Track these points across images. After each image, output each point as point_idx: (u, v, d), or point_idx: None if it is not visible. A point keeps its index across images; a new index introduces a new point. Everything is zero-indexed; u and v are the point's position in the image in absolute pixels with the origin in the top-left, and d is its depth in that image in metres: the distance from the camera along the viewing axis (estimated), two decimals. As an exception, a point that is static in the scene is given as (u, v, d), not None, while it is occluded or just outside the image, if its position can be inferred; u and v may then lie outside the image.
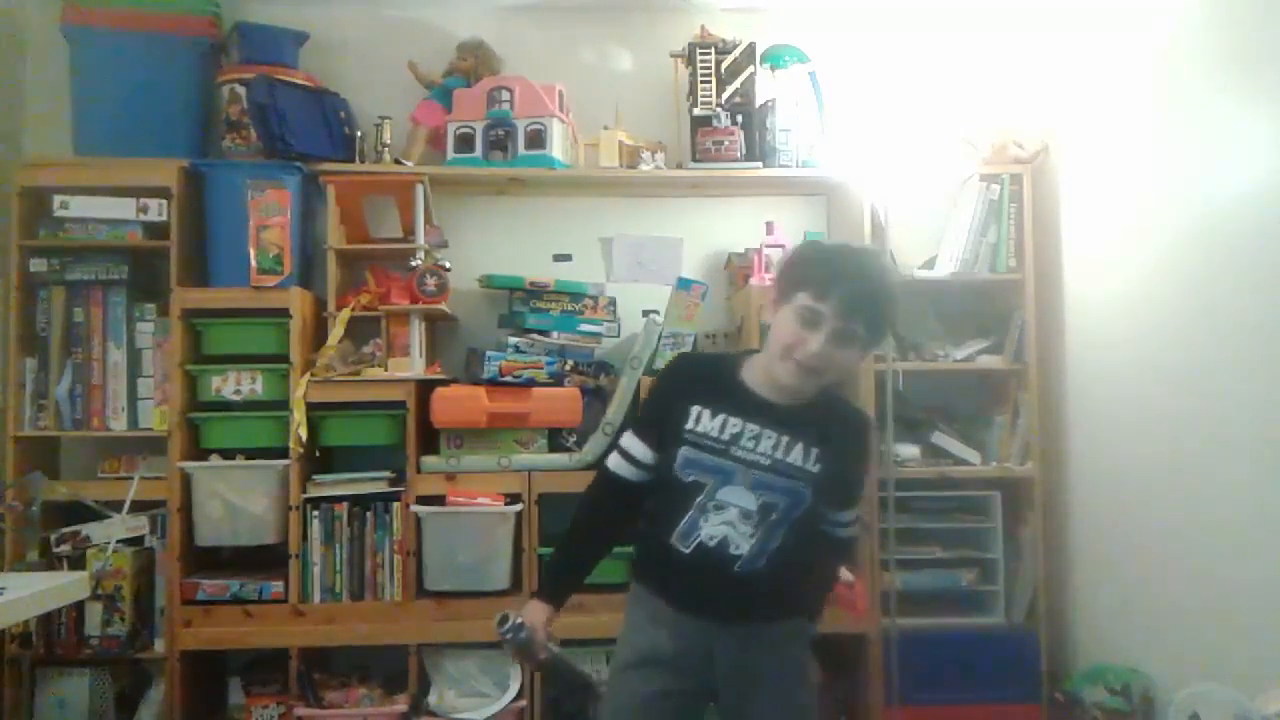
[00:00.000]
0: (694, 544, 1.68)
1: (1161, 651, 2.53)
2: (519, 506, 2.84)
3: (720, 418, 1.69)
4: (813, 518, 1.72)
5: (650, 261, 3.30)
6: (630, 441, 1.79)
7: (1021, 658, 2.96)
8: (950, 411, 3.22)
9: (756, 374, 1.73)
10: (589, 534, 1.85)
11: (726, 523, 1.67)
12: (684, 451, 1.68)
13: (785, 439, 1.68)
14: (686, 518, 1.68)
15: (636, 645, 1.77)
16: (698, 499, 1.68)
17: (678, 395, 1.73)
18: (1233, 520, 2.27)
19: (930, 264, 3.13)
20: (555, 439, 2.98)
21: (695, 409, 1.69)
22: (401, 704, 2.76)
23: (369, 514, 2.84)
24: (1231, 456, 2.27)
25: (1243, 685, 2.07)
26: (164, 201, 2.87)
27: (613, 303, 3.16)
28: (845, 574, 2.23)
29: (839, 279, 1.62)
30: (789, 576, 1.72)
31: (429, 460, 2.88)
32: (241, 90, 2.98)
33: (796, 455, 1.68)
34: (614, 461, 1.81)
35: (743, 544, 1.67)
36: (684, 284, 3.11)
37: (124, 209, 2.87)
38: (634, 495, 1.78)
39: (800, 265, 1.69)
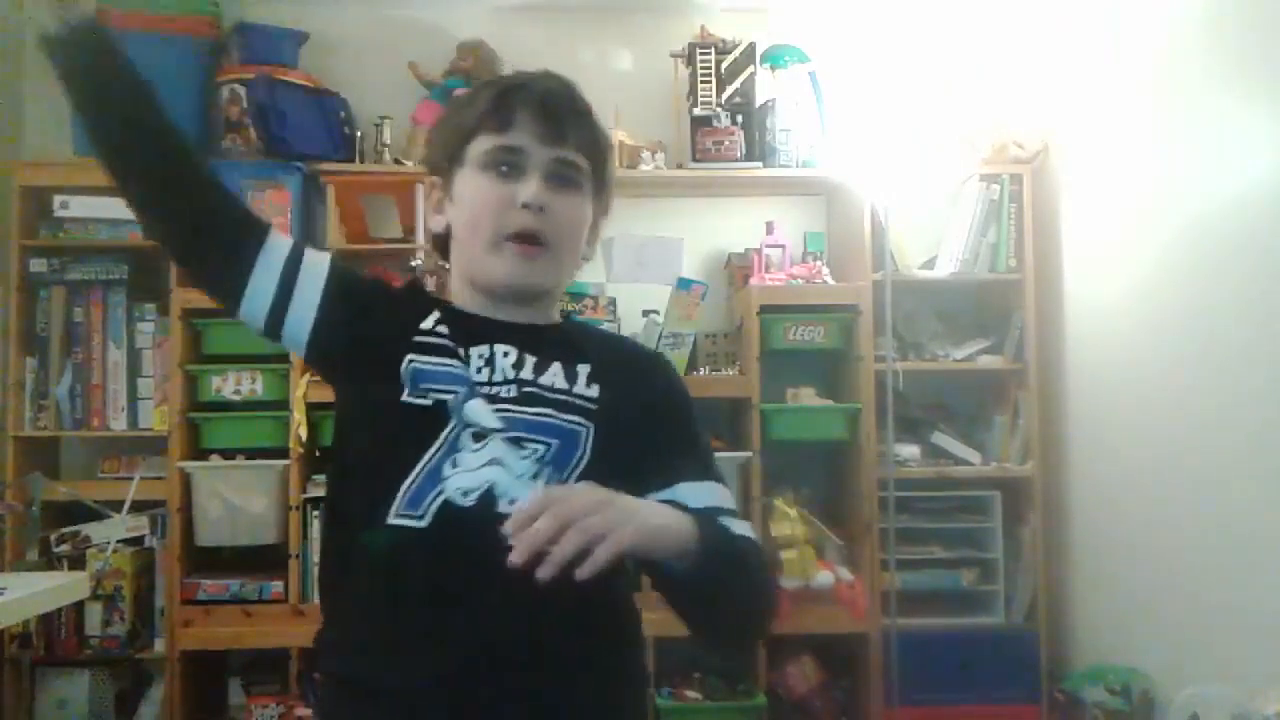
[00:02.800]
0: (444, 502, 1.06)
1: (1161, 651, 2.53)
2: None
3: (447, 340, 1.15)
4: (614, 477, 1.03)
5: (650, 261, 3.29)
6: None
7: (1021, 658, 2.96)
8: (950, 411, 3.22)
9: (465, 298, 1.20)
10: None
11: (491, 465, 1.08)
12: (415, 363, 1.12)
13: (531, 358, 1.15)
14: (418, 473, 1.07)
15: None
16: (447, 431, 1.09)
17: (388, 310, 1.21)
18: (1233, 520, 2.27)
19: (930, 264, 3.13)
20: (555, 439, 2.97)
21: (411, 325, 1.16)
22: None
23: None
24: (1232, 456, 2.27)
25: (1243, 685, 2.07)
26: (164, 201, 2.86)
27: (613, 303, 3.15)
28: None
29: (523, 92, 1.13)
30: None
31: (429, 460, 2.87)
32: (241, 90, 2.98)
33: (555, 377, 1.14)
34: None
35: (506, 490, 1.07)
36: (684, 284, 3.11)
37: (124, 209, 2.82)
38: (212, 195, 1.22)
39: (463, 105, 1.18)
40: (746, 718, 2.84)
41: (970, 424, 3.21)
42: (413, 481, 1.06)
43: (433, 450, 1.07)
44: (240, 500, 2.79)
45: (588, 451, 1.11)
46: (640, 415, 1.15)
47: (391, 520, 1.04)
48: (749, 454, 2.90)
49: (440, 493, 1.05)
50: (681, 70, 3.17)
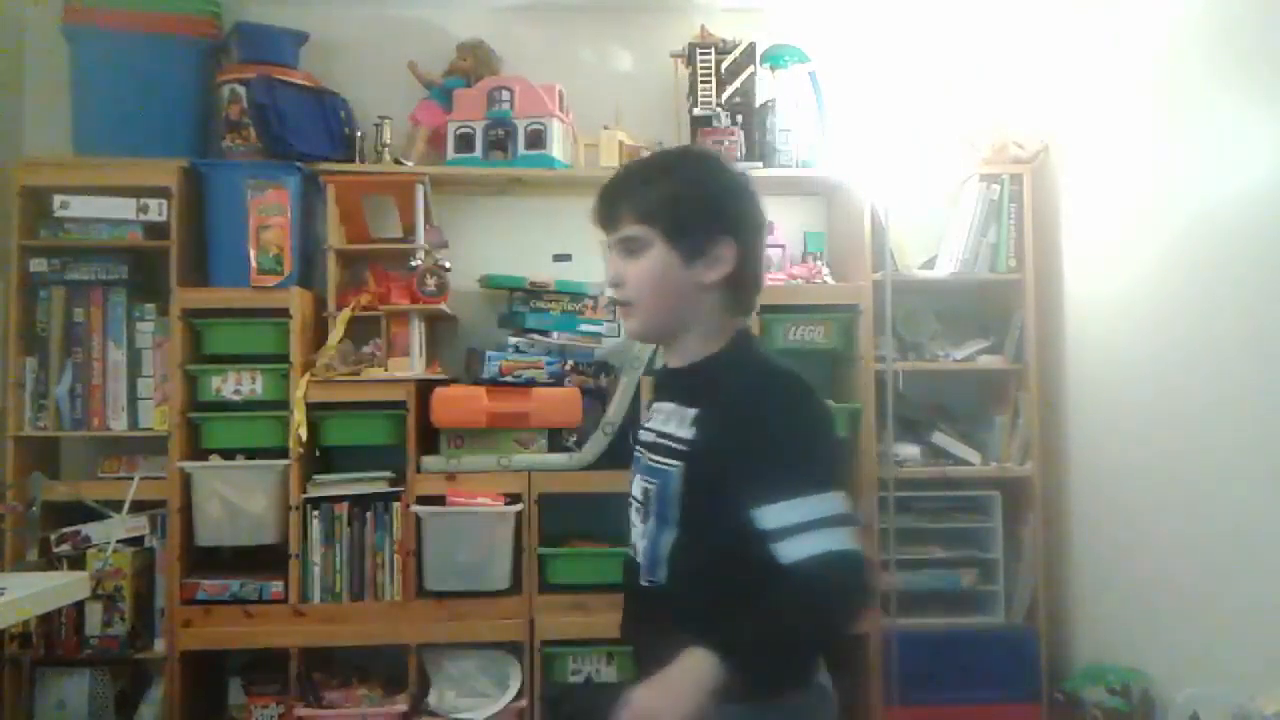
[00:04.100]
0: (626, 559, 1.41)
1: (1161, 651, 2.53)
2: (519, 506, 2.84)
3: (651, 408, 1.46)
4: (709, 512, 1.28)
5: (650, 261, 3.29)
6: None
7: (1021, 658, 2.96)
8: (950, 411, 3.22)
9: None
10: None
11: (631, 523, 1.39)
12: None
13: (672, 406, 1.37)
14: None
15: None
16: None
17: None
18: (1233, 520, 2.27)
19: (930, 264, 3.13)
20: (555, 439, 2.97)
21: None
22: (401, 704, 2.76)
23: (369, 514, 2.83)
24: (1232, 456, 2.28)
25: (1243, 685, 2.07)
26: (164, 201, 2.86)
27: (613, 303, 3.15)
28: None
29: (596, 200, 1.45)
30: (707, 600, 1.27)
31: (429, 460, 2.88)
32: (241, 90, 2.98)
33: (674, 423, 1.34)
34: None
35: (638, 543, 1.35)
36: (684, 284, 3.11)
37: (124, 209, 2.87)
38: None
39: None
40: (746, 718, 2.84)
41: (970, 424, 3.21)
42: None
43: None
44: (240, 500, 2.79)
45: (676, 479, 1.31)
46: (723, 449, 1.28)
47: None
48: (749, 454, 2.90)
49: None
50: (681, 70, 3.17)
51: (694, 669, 1.14)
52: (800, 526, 1.21)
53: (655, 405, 1.44)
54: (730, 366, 1.39)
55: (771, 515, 1.23)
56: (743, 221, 1.39)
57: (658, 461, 1.33)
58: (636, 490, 1.37)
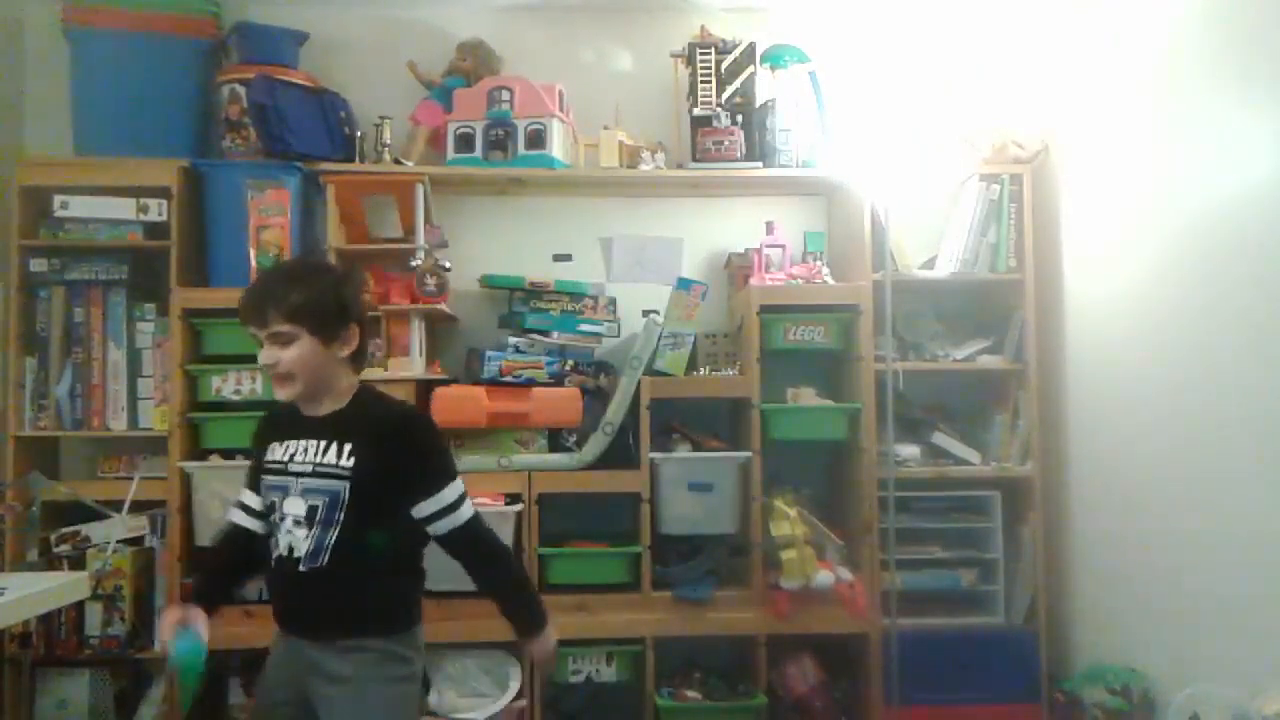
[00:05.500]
0: (275, 556, 1.86)
1: (1161, 651, 2.53)
2: (519, 506, 2.84)
3: (284, 445, 1.87)
4: (375, 513, 1.82)
5: (650, 261, 3.30)
6: (243, 494, 1.94)
7: (1021, 658, 2.96)
8: (950, 411, 3.22)
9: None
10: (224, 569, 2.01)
11: (288, 531, 1.82)
12: (264, 480, 1.88)
13: (322, 444, 1.84)
14: (273, 537, 1.87)
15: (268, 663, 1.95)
16: (273, 516, 1.87)
17: (259, 442, 1.93)
18: (1233, 520, 2.27)
19: (930, 264, 3.13)
20: (555, 439, 2.98)
21: (271, 446, 1.89)
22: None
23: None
24: (1231, 456, 2.28)
25: (1243, 685, 2.08)
26: (164, 201, 2.87)
27: (613, 303, 3.16)
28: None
29: (242, 304, 1.83)
30: (356, 576, 1.83)
31: (429, 460, 2.88)
32: (241, 90, 2.98)
33: (331, 455, 1.83)
34: (232, 514, 1.96)
35: (299, 546, 1.81)
36: (684, 284, 3.11)
37: (124, 209, 2.87)
38: (252, 540, 1.92)
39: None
40: (746, 718, 2.84)
41: (970, 424, 3.21)
42: None
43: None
44: (240, 500, 2.79)
45: (345, 496, 1.81)
46: (382, 468, 1.82)
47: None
48: (749, 454, 2.91)
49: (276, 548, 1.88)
50: (681, 70, 3.17)
51: (534, 600, 1.96)
52: (450, 506, 1.86)
53: (289, 443, 1.86)
54: (368, 409, 1.89)
55: (442, 496, 1.85)
56: (360, 310, 1.89)
57: (322, 484, 1.82)
58: (297, 508, 1.82)
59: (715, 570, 2.96)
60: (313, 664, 1.82)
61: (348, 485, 1.81)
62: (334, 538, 1.80)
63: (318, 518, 1.80)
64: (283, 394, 1.84)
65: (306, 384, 1.83)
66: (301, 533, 1.81)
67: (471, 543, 1.90)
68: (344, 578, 1.81)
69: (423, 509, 1.84)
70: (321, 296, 1.83)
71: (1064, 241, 3.05)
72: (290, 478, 1.84)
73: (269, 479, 1.87)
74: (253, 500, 1.90)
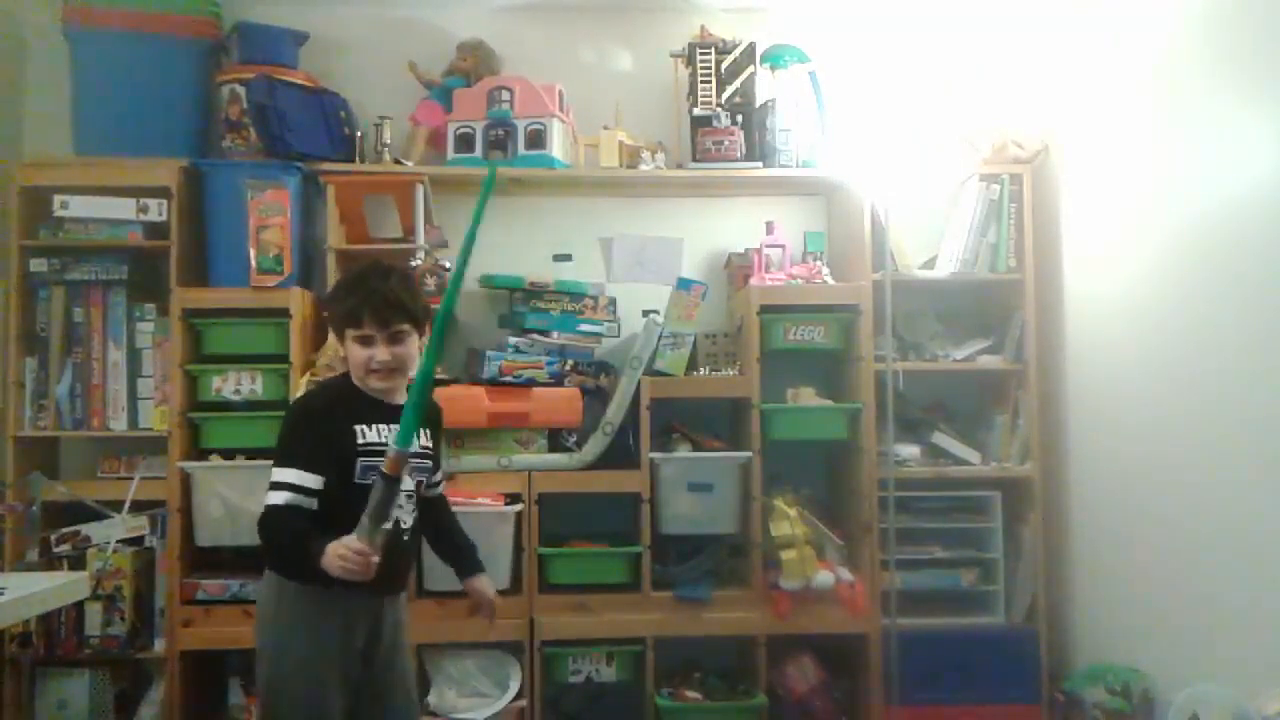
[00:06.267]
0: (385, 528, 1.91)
1: (1161, 651, 2.53)
2: (519, 506, 2.84)
3: (374, 428, 1.99)
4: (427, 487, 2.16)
5: (650, 261, 3.30)
6: (299, 476, 1.92)
7: (1021, 658, 2.96)
8: (950, 411, 3.22)
9: (370, 388, 2.04)
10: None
11: (398, 506, 1.92)
12: (361, 461, 1.95)
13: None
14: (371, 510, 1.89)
15: (319, 642, 1.97)
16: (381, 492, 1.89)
17: (338, 424, 1.98)
18: (1233, 520, 2.27)
19: (930, 264, 3.13)
20: (555, 439, 2.98)
21: (359, 429, 1.98)
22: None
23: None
24: (1231, 456, 2.28)
25: (1243, 685, 2.08)
26: (164, 201, 2.87)
27: (613, 303, 3.15)
28: None
29: (363, 303, 1.97)
30: (417, 537, 2.17)
31: (429, 460, 2.88)
32: (241, 90, 2.98)
33: (423, 438, 2.08)
34: (286, 498, 1.92)
35: (406, 518, 2.04)
36: (684, 284, 3.11)
37: (124, 209, 2.87)
38: (311, 519, 1.93)
39: (334, 308, 2.08)
40: (746, 718, 2.84)
41: (970, 424, 3.21)
42: None
43: None
44: (240, 500, 2.79)
45: (430, 471, 2.16)
46: (434, 444, 2.17)
47: None
48: (749, 454, 2.90)
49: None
50: (681, 70, 3.17)
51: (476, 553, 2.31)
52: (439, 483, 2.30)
53: (379, 427, 1.99)
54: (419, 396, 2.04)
55: (439, 473, 2.27)
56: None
57: (420, 463, 2.07)
58: (409, 485, 2.00)
59: (715, 570, 2.96)
60: (378, 615, 2.03)
61: (430, 463, 2.13)
62: (416, 508, 2.07)
63: (419, 492, 2.08)
64: (386, 385, 2.01)
65: (405, 376, 2.03)
66: (410, 505, 2.04)
67: (447, 501, 2.32)
68: (414, 540, 2.13)
69: (435, 476, 2.21)
70: (422, 299, 2.10)
71: (1064, 241, 3.05)
72: (409, 459, 1.93)
73: (371, 460, 1.92)
74: (313, 481, 1.92)
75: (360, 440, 1.98)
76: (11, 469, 2.82)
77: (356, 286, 2.03)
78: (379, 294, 1.98)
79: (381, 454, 1.87)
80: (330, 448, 1.95)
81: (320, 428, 1.98)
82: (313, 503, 1.92)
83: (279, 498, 1.91)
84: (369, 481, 1.87)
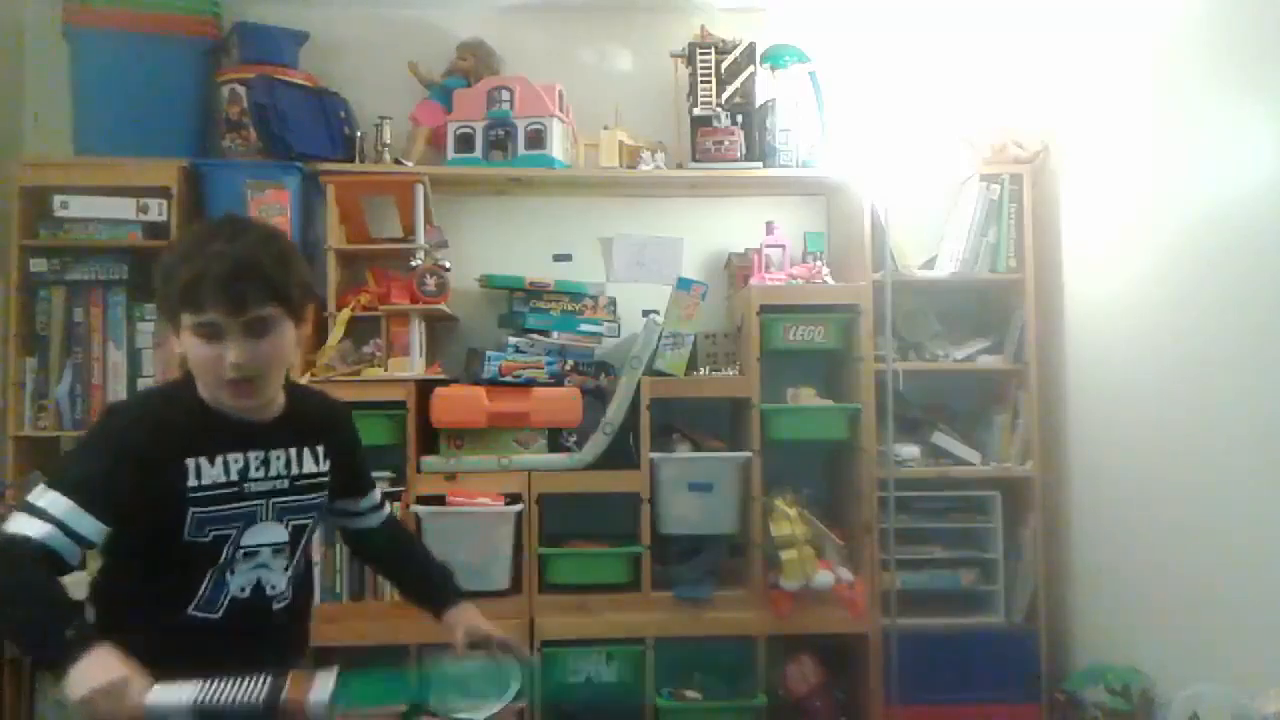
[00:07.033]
0: (224, 604, 1.46)
1: (1161, 651, 2.53)
2: (519, 506, 2.84)
3: (220, 461, 1.45)
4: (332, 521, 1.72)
5: (650, 261, 3.30)
6: (70, 512, 1.34)
7: (1021, 658, 2.96)
8: (950, 411, 3.22)
9: (211, 397, 1.47)
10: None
11: (258, 566, 1.48)
12: (196, 512, 1.42)
13: (292, 451, 1.53)
14: (208, 581, 1.45)
15: None
16: (223, 553, 1.45)
17: (155, 461, 1.40)
18: (1233, 520, 2.27)
19: (930, 264, 3.13)
20: (555, 439, 2.97)
21: (189, 465, 1.43)
22: (401, 704, 2.75)
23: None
24: (1231, 456, 2.27)
25: (1243, 685, 2.07)
26: (164, 201, 2.87)
27: (613, 303, 3.16)
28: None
29: (202, 276, 1.37)
30: (308, 600, 1.64)
31: (429, 460, 2.88)
32: (241, 90, 2.98)
33: (310, 463, 1.55)
34: (42, 532, 1.32)
35: (276, 581, 1.50)
36: (684, 284, 3.11)
37: (124, 209, 2.87)
38: (65, 571, 1.36)
39: (164, 284, 1.44)
40: (746, 718, 2.84)
41: (970, 424, 3.21)
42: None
43: None
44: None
45: (323, 505, 1.60)
46: (342, 464, 1.62)
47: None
48: (749, 454, 2.90)
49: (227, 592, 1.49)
50: (681, 70, 3.17)
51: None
52: (381, 498, 1.78)
53: (231, 457, 1.46)
54: (308, 401, 1.62)
55: (378, 493, 1.77)
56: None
57: (305, 499, 1.53)
58: (274, 535, 1.49)
59: (715, 570, 2.96)
60: None
61: (325, 494, 1.57)
62: (302, 562, 1.56)
63: (301, 541, 1.54)
64: (248, 402, 1.44)
65: (275, 384, 1.47)
66: (280, 563, 1.50)
67: (398, 524, 1.80)
68: (300, 606, 1.57)
69: (364, 502, 1.72)
70: (298, 265, 1.46)
71: (1064, 241, 3.05)
72: (254, 500, 1.48)
73: (209, 510, 1.43)
74: (88, 528, 1.35)
75: (192, 481, 1.42)
76: (11, 469, 2.82)
77: (195, 252, 1.39)
78: (227, 259, 1.36)
79: (230, 500, 1.42)
80: (138, 493, 1.38)
81: (127, 459, 1.38)
82: (75, 555, 1.35)
83: (32, 527, 1.31)
84: (206, 540, 1.42)
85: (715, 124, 3.10)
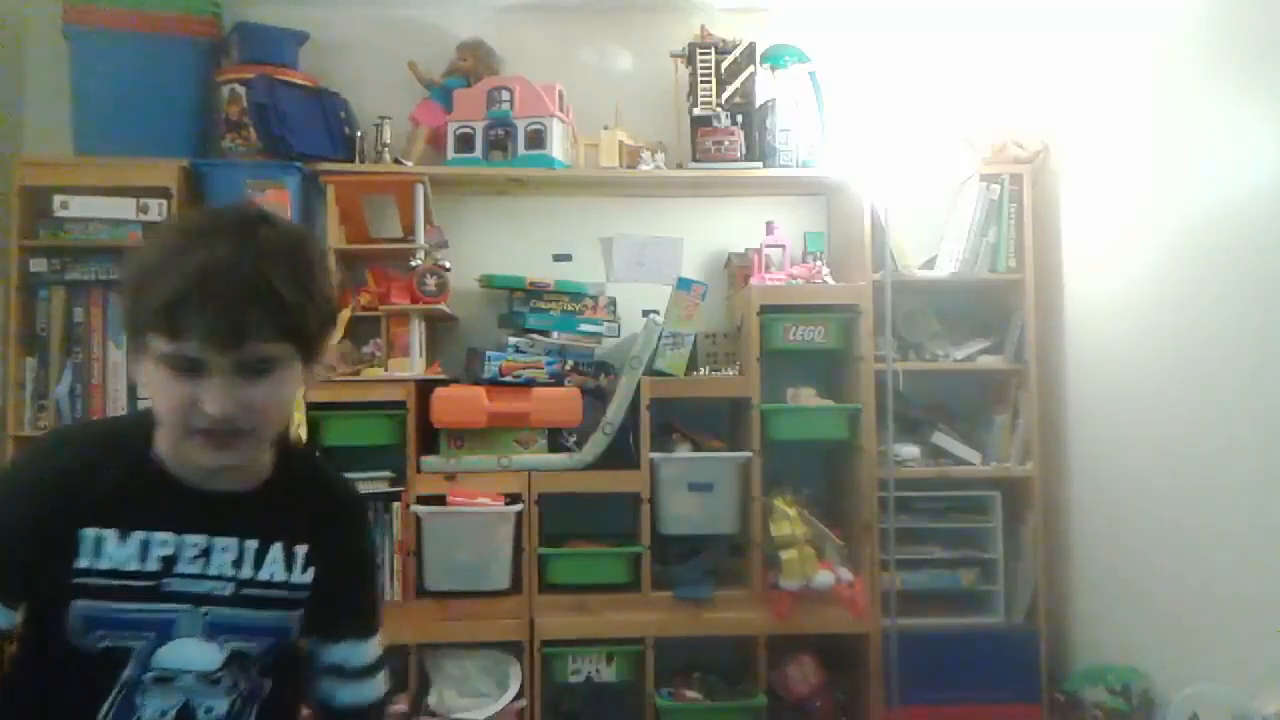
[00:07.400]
0: None
1: (1161, 651, 2.53)
2: (519, 506, 2.84)
3: (147, 539, 1.05)
4: (297, 657, 1.16)
5: (650, 261, 3.30)
6: None
7: (1021, 658, 2.96)
8: (950, 411, 3.22)
9: (174, 450, 1.07)
10: None
11: (176, 691, 1.07)
12: (79, 606, 1.04)
13: (253, 543, 1.10)
14: (115, 698, 1.06)
15: None
16: (122, 675, 1.06)
17: (50, 516, 1.04)
18: (1233, 520, 2.27)
19: (930, 264, 3.13)
20: (555, 439, 2.97)
21: (90, 534, 1.04)
22: (401, 704, 2.76)
23: (369, 514, 2.83)
24: (1231, 456, 2.27)
25: (1243, 685, 2.07)
26: (164, 201, 2.86)
27: (613, 303, 3.16)
28: None
29: (185, 294, 0.96)
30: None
31: (429, 460, 2.88)
32: (241, 90, 2.98)
33: (275, 565, 1.11)
34: None
35: (218, 705, 1.09)
36: (684, 284, 3.11)
37: (124, 209, 2.87)
38: None
39: (134, 293, 1.01)
40: (746, 718, 2.84)
41: (970, 424, 3.21)
42: None
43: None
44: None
45: (294, 633, 1.13)
46: (334, 585, 1.15)
47: None
48: (749, 454, 2.90)
49: None
50: (681, 70, 3.17)
51: None
52: (380, 661, 1.20)
53: (162, 537, 1.06)
54: (306, 477, 1.19)
55: (369, 649, 1.20)
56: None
57: (256, 616, 1.09)
58: (208, 659, 1.06)
59: (715, 570, 2.96)
60: None
61: (298, 615, 1.12)
62: (258, 704, 1.13)
63: (249, 674, 1.11)
64: (219, 460, 1.03)
65: (264, 442, 1.08)
66: (220, 702, 1.09)
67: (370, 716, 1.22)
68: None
69: (349, 654, 1.19)
70: (321, 284, 1.06)
71: (1064, 241, 3.05)
72: (173, 605, 1.06)
73: (101, 605, 1.03)
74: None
75: (83, 561, 1.03)
76: (11, 469, 2.82)
77: (181, 257, 0.98)
78: (226, 275, 0.97)
79: (136, 597, 1.03)
80: (25, 571, 1.04)
81: (29, 519, 1.04)
82: (10, 621, 1.05)
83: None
84: (93, 651, 1.04)
85: (715, 124, 3.10)
